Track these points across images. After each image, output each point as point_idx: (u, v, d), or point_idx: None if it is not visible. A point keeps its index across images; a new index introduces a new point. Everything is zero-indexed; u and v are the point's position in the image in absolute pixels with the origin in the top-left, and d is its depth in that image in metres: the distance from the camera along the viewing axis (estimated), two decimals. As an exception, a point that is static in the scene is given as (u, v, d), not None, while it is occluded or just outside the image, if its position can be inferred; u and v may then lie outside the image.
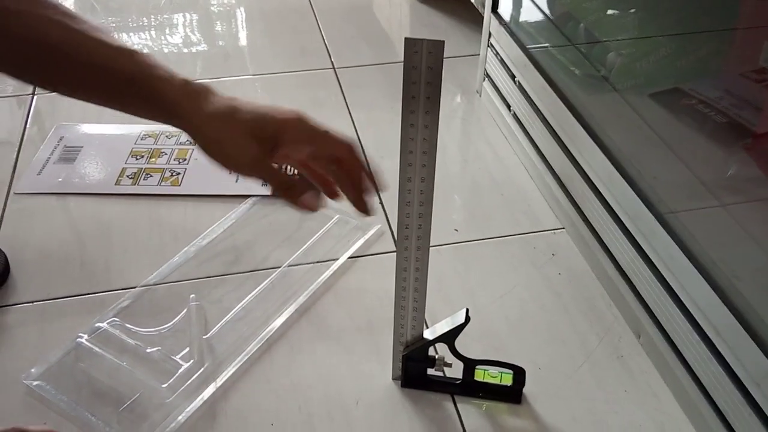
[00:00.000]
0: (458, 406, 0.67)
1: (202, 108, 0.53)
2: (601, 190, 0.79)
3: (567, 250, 0.85)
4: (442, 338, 0.64)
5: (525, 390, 0.68)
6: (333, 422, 0.66)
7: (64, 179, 0.95)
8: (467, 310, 0.64)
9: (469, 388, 0.67)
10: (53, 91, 0.54)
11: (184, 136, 1.04)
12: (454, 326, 0.63)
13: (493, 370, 0.67)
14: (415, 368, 0.67)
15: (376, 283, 0.80)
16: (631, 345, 0.73)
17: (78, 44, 0.51)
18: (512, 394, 0.67)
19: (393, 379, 0.69)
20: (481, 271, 0.82)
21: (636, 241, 0.72)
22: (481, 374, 0.67)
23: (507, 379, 0.67)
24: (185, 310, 0.75)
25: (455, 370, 0.67)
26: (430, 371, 0.68)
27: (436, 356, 0.66)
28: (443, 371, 0.67)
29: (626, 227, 0.74)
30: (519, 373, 0.66)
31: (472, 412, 0.67)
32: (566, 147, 0.86)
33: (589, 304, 0.78)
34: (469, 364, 0.66)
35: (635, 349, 0.73)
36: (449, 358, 0.66)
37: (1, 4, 0.49)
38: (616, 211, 0.76)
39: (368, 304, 0.78)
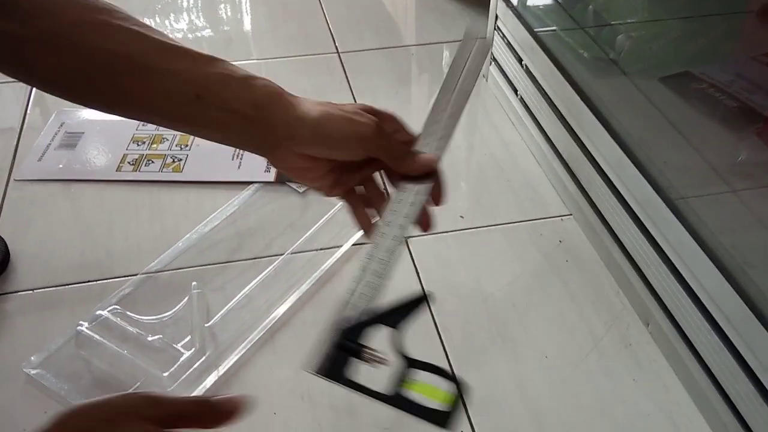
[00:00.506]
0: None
1: (297, 100, 0.52)
2: (609, 176, 0.77)
3: (574, 237, 0.84)
4: (382, 317, 0.50)
5: (533, 376, 0.67)
6: (337, 413, 0.65)
7: (65, 165, 0.94)
8: (425, 293, 0.52)
9: (393, 397, 0.49)
10: (120, 113, 0.51)
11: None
12: (402, 304, 0.50)
13: (430, 379, 0.49)
14: (341, 356, 0.49)
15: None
16: (639, 333, 0.72)
17: (155, 52, 0.48)
18: (439, 417, 0.48)
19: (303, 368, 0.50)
20: (487, 259, 0.81)
21: (645, 227, 0.70)
22: (410, 385, 0.49)
23: (439, 396, 0.48)
24: (187, 298, 0.74)
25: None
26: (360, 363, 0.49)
27: (367, 349, 0.49)
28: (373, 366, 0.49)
29: (635, 213, 0.72)
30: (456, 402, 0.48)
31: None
32: (574, 131, 0.84)
33: (597, 292, 0.77)
34: (409, 365, 0.49)
35: (644, 337, 0.72)
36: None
37: (78, 18, 0.47)
38: (625, 197, 0.74)
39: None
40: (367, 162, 0.54)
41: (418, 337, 0.72)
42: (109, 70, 0.48)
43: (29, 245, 0.82)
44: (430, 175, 0.55)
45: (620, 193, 0.75)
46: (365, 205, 0.58)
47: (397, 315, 0.50)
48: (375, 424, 0.64)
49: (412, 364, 0.49)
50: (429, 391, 0.48)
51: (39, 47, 0.47)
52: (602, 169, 0.79)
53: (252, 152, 0.53)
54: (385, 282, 0.51)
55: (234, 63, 0.51)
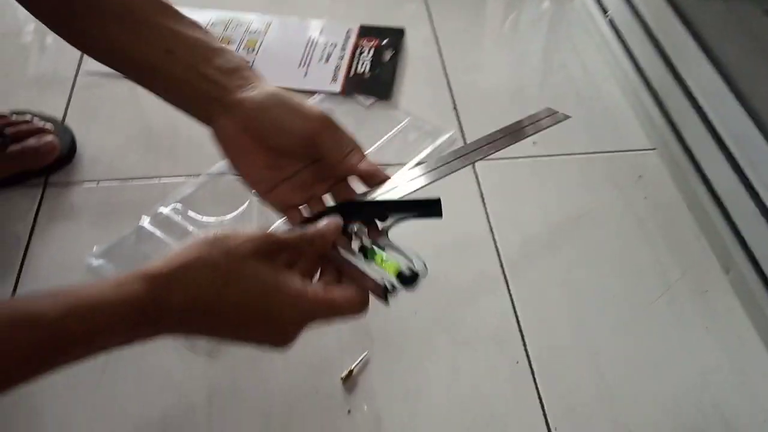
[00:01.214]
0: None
1: (260, 77, 0.53)
2: (704, 108, 0.71)
3: (656, 174, 0.79)
4: (386, 206, 0.51)
5: (596, 315, 0.64)
6: (388, 328, 0.64)
7: (134, 61, 0.92)
8: (438, 201, 0.51)
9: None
10: (91, 52, 0.53)
11: (255, 24, 1.00)
12: (413, 200, 0.51)
13: (395, 256, 0.50)
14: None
15: (444, 194, 0.76)
16: (717, 280, 0.68)
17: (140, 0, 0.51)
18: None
19: None
20: (558, 189, 0.77)
21: (740, 166, 0.65)
22: (379, 259, 0.50)
23: (391, 269, 0.49)
24: (247, 203, 0.73)
25: None
26: None
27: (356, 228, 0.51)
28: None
29: (730, 151, 0.66)
30: (409, 274, 0.48)
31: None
32: (668, 58, 0.78)
33: (675, 233, 0.72)
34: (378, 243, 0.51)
35: (722, 285, 0.67)
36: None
37: None
38: (720, 133, 0.68)
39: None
40: (310, 169, 0.53)
41: (479, 269, 0.69)
42: (90, 5, 0.50)
43: (95, 138, 0.81)
44: (371, 184, 0.52)
45: (715, 128, 0.69)
46: None
47: (402, 208, 0.51)
48: (427, 342, 0.62)
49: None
50: (394, 267, 0.49)
51: None
52: (697, 101, 0.73)
53: (200, 119, 0.53)
54: None
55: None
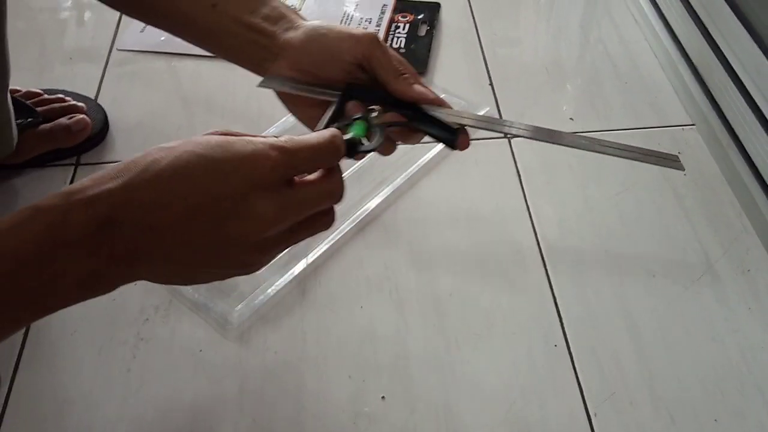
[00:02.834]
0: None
1: (303, 20, 0.53)
2: (745, 82, 0.69)
3: (696, 150, 0.77)
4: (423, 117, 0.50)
5: (637, 294, 0.62)
6: (424, 311, 0.63)
7: (168, 38, 0.91)
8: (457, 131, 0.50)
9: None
10: (139, 16, 0.56)
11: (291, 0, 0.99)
12: (436, 118, 0.49)
13: None
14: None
15: (480, 169, 0.75)
16: (760, 259, 0.66)
17: None
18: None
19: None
20: (596, 165, 0.75)
21: (784, 143, 0.63)
22: None
23: None
24: (279, 182, 0.72)
25: None
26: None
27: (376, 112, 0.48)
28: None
29: (774, 127, 0.65)
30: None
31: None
32: (707, 30, 0.75)
33: (716, 211, 0.70)
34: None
35: (764, 264, 0.66)
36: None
37: None
38: (762, 108, 0.66)
39: (468, 193, 0.73)
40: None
41: (515, 248, 0.68)
42: None
43: (127, 116, 0.81)
44: (417, 111, 0.50)
45: (755, 103, 0.67)
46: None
47: (425, 119, 0.50)
48: (463, 325, 0.62)
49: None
50: None
51: None
52: (737, 75, 0.70)
53: (251, 69, 0.53)
54: None
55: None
